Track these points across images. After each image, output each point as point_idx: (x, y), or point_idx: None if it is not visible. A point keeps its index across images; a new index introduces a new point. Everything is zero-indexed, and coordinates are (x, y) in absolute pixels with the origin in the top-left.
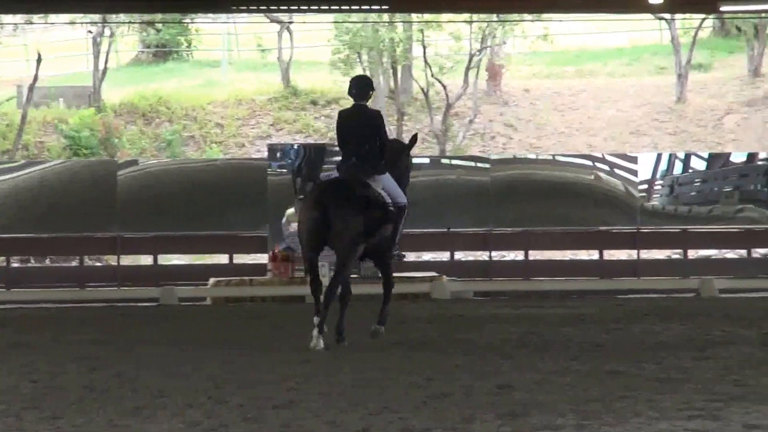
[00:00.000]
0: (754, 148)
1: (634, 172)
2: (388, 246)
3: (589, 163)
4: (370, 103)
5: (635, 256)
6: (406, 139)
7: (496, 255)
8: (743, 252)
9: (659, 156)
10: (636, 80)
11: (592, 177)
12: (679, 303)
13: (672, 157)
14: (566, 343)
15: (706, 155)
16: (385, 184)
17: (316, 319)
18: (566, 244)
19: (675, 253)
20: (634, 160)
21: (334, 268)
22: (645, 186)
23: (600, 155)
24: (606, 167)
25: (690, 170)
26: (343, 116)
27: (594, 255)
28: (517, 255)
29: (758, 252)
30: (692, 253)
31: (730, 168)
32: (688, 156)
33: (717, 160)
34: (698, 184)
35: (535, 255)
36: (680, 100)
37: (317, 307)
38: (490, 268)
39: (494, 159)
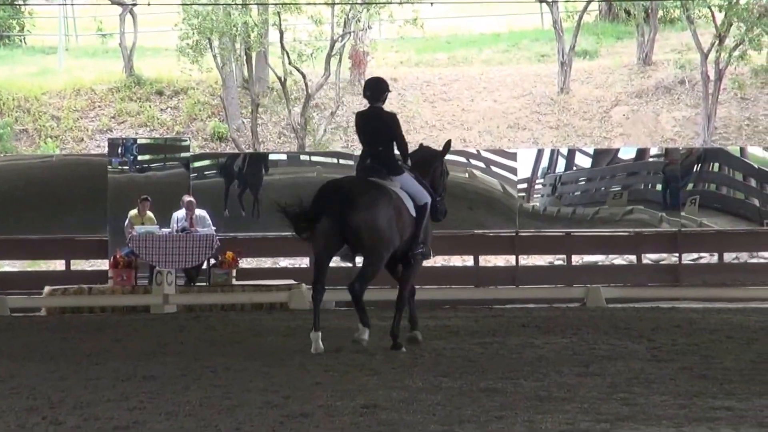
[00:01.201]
0: (645, 143)
1: (513, 170)
2: (411, 245)
3: (463, 159)
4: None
5: (514, 263)
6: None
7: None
8: (632, 258)
9: (540, 152)
10: (514, 69)
11: (467, 175)
12: (562, 314)
13: (554, 153)
14: (437, 358)
15: (591, 151)
16: (405, 184)
17: (313, 334)
18: (438, 249)
19: (557, 259)
20: (512, 156)
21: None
22: (524, 185)
23: (475, 151)
24: (481, 164)
25: (574, 168)
26: (359, 119)
27: (468, 261)
28: None
29: (649, 258)
30: (576, 259)
31: (619, 165)
32: (572, 152)
33: (604, 156)
34: (583, 183)
35: None
36: (563, 90)
37: (316, 319)
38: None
39: (358, 155)
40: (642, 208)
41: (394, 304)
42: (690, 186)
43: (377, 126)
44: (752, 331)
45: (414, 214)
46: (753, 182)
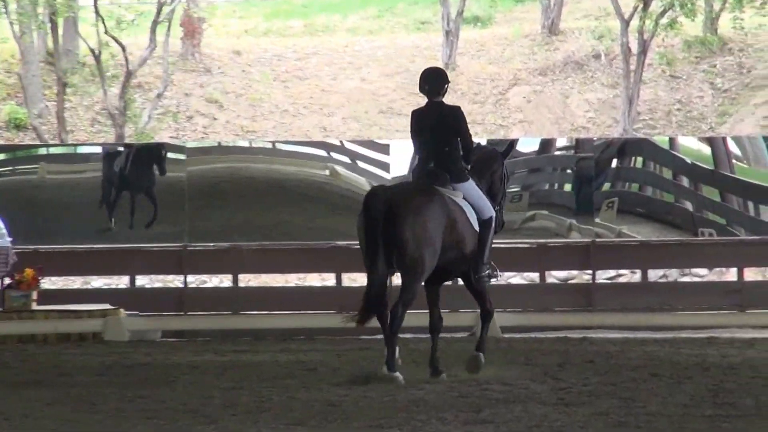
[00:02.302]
0: (550, 132)
1: (385, 166)
2: (475, 265)
3: (323, 153)
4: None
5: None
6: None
7: (194, 280)
8: (535, 276)
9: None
10: (387, 39)
11: (327, 173)
12: (447, 345)
13: None
14: (289, 401)
15: (483, 142)
16: (469, 194)
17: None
18: (290, 264)
19: None
20: (385, 149)
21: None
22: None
23: (338, 142)
24: (346, 159)
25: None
26: (417, 116)
27: (330, 280)
28: (223, 280)
29: (555, 276)
30: None
31: (517, 160)
32: None
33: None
34: None
35: (246, 280)
36: (449, 66)
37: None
38: (186, 299)
39: (191, 147)
40: (546, 214)
41: (435, 329)
42: (607, 186)
43: (441, 123)
44: (683, 367)
45: (477, 228)
46: (685, 181)
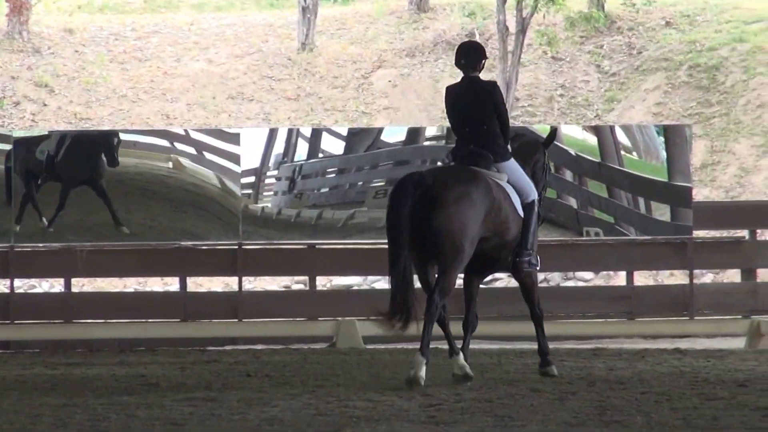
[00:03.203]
0: (419, 119)
1: (235, 158)
2: (518, 251)
3: (165, 143)
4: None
5: (236, 287)
6: None
7: (22, 284)
8: None
9: (273, 132)
10: (237, 17)
11: (170, 165)
12: (304, 358)
13: (293, 135)
14: (127, 419)
15: (344, 131)
16: (513, 175)
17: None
18: (128, 268)
19: (296, 282)
20: (234, 138)
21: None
22: (251, 179)
23: (182, 131)
24: (191, 150)
25: (320, 155)
26: (452, 93)
27: (172, 285)
28: (54, 285)
29: None
30: (323, 282)
31: (382, 151)
32: (317, 132)
33: (362, 138)
34: (333, 175)
35: (80, 285)
36: (306, 47)
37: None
38: (13, 306)
39: (17, 137)
40: None
41: (468, 326)
42: None
43: (479, 100)
44: (567, 381)
45: (521, 213)
46: (568, 175)
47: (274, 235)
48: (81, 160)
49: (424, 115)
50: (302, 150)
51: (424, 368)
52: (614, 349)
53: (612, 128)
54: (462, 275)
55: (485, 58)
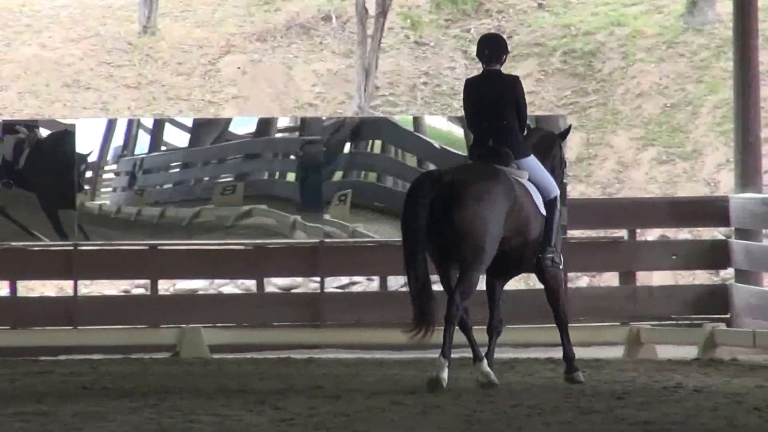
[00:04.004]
0: (270, 109)
1: (69, 151)
2: (541, 249)
3: None
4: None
5: (71, 291)
6: None
7: None
8: (251, 284)
9: (111, 123)
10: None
11: None
12: (145, 369)
13: (133, 126)
14: None
15: (189, 122)
16: (533, 172)
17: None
18: None
19: (137, 286)
20: (69, 130)
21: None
22: (88, 173)
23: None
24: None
25: (163, 147)
26: (472, 86)
27: (2, 289)
28: None
29: (276, 284)
30: (166, 286)
31: (230, 144)
32: (159, 123)
33: (208, 129)
34: (177, 170)
35: None
36: (147, 30)
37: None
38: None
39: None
40: (266, 209)
41: (494, 330)
42: (338, 175)
43: (499, 94)
44: (429, 394)
45: (543, 211)
46: (432, 169)
47: (113, 234)
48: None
49: (276, 105)
50: (143, 143)
51: (446, 370)
52: None
53: None
54: (484, 278)
55: (508, 52)
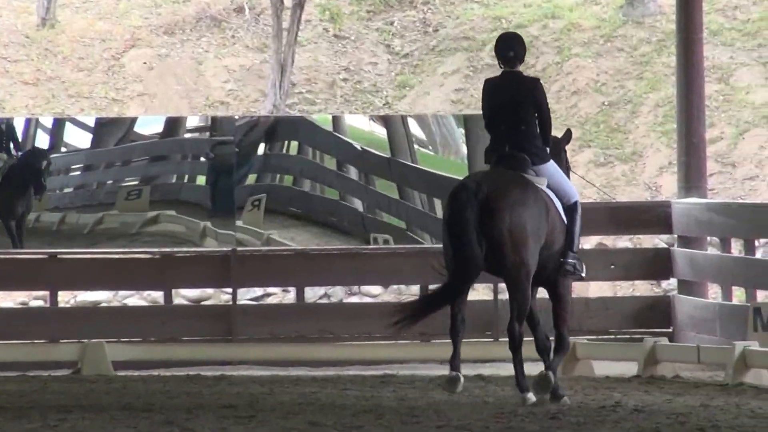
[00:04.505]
0: (179, 108)
1: None
2: (563, 256)
3: None
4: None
5: None
6: None
7: None
8: (159, 295)
9: (8, 124)
10: None
11: None
12: (44, 386)
13: (31, 125)
14: None
15: (91, 121)
16: (552, 178)
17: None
18: None
19: (37, 297)
20: None
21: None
22: None
23: None
24: None
25: (63, 149)
26: (491, 87)
27: None
28: None
29: (184, 296)
30: (67, 297)
31: (136, 145)
32: (59, 123)
33: (112, 129)
34: (78, 173)
35: None
36: (46, 22)
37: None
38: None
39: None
40: (173, 215)
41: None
42: (252, 179)
43: (519, 97)
44: (351, 413)
45: (564, 218)
46: (353, 172)
47: (9, 243)
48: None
49: (185, 103)
50: (42, 143)
51: (530, 395)
52: (406, 376)
53: (404, 118)
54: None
55: (525, 51)
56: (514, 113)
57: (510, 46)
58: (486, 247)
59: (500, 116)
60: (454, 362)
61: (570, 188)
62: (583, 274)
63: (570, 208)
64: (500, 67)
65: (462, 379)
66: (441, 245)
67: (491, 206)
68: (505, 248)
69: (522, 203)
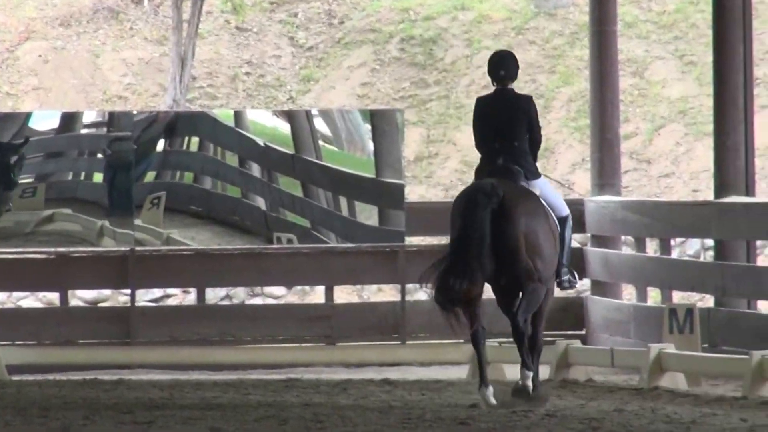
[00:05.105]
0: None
1: None
2: (557, 271)
3: None
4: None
5: None
6: None
7: None
8: (54, 296)
9: None
10: None
11: None
12: None
13: None
14: None
15: None
16: (544, 192)
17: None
18: None
19: None
20: None
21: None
22: None
23: None
24: None
25: None
26: (484, 105)
27: None
28: None
29: (80, 297)
30: None
31: (31, 141)
32: None
33: (5, 124)
34: None
35: None
36: None
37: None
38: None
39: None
40: (69, 214)
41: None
42: (151, 176)
43: (512, 114)
44: (254, 419)
45: (559, 228)
46: (256, 169)
47: None
48: None
49: (81, 97)
50: None
51: (530, 380)
52: (311, 380)
53: (308, 113)
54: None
55: (518, 69)
56: (509, 130)
57: (502, 65)
58: (497, 252)
59: (494, 133)
60: (483, 374)
61: (561, 202)
62: (577, 285)
63: (562, 220)
64: (493, 85)
65: (491, 388)
66: (352, 245)
67: (507, 210)
68: (518, 253)
69: (535, 210)
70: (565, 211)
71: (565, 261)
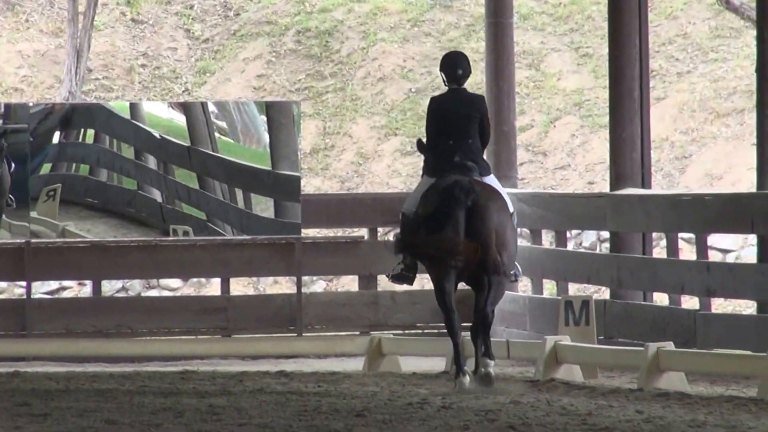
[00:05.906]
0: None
1: None
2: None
3: None
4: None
5: None
6: None
7: None
8: None
9: None
10: None
11: None
12: None
13: None
14: None
15: None
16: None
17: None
18: None
19: None
20: None
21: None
22: None
23: None
24: None
25: None
26: (438, 104)
27: None
28: None
29: None
30: None
31: None
32: None
33: None
34: None
35: None
36: None
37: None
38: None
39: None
40: None
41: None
42: (47, 168)
43: (467, 112)
44: (149, 411)
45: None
46: (152, 161)
47: None
48: None
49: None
50: None
51: (491, 368)
52: (207, 372)
53: (204, 105)
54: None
55: (470, 70)
56: (465, 128)
57: (460, 65)
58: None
59: (448, 131)
60: (458, 363)
61: (509, 199)
62: (520, 276)
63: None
64: (445, 85)
65: (468, 376)
66: (248, 237)
67: (481, 206)
68: (490, 248)
69: (503, 206)
70: (512, 207)
71: (513, 256)
